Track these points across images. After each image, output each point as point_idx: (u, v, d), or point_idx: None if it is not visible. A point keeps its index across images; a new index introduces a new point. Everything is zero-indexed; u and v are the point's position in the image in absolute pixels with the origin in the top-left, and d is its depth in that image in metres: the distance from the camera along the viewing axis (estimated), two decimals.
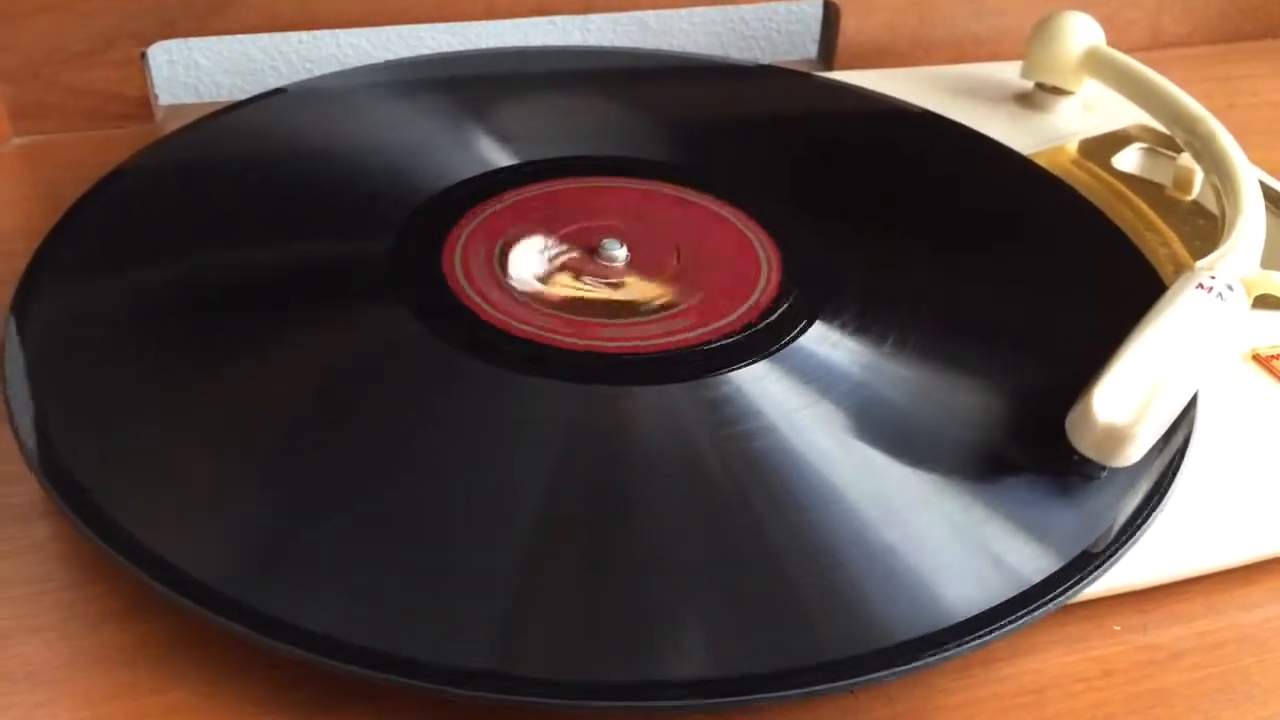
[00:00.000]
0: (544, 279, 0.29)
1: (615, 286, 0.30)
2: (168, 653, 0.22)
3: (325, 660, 0.20)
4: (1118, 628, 0.24)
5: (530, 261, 0.30)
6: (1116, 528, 0.24)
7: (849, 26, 0.46)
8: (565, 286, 0.29)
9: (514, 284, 0.29)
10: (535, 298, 0.29)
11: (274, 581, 0.22)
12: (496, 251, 0.30)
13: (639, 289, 0.30)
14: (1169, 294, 0.27)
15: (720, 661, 0.21)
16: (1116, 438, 0.24)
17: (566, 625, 0.21)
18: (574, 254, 0.31)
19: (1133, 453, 0.24)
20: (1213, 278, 0.28)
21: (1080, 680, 0.23)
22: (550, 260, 0.30)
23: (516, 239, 0.30)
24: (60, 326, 0.28)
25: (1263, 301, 0.30)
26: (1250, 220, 0.30)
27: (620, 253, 0.31)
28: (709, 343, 0.28)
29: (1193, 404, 0.27)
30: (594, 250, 0.30)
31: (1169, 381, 0.25)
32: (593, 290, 0.29)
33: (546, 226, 0.31)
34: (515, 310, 0.28)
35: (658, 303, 0.29)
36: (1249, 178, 0.32)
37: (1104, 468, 0.25)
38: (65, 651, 0.22)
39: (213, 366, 0.27)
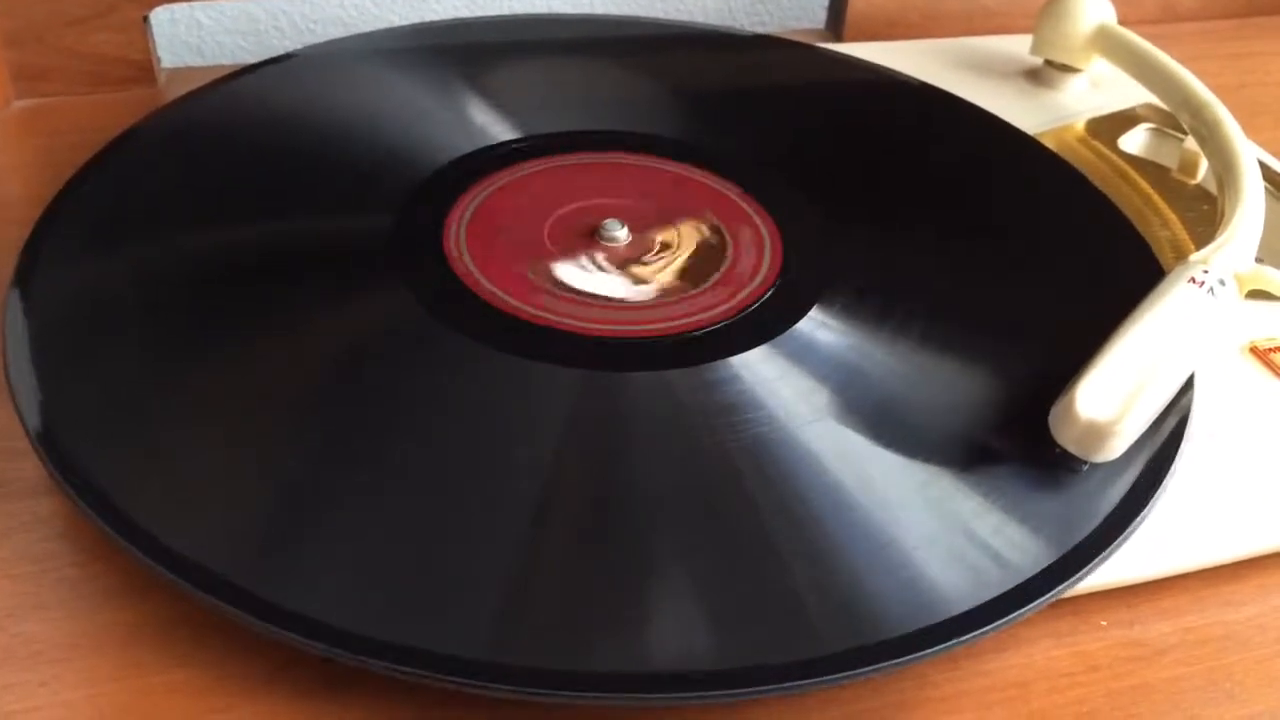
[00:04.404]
0: (636, 279, 0.29)
1: (669, 248, 0.30)
2: (170, 633, 0.23)
3: (319, 646, 0.21)
4: (1104, 623, 0.24)
5: (599, 279, 0.29)
6: (1110, 524, 0.24)
7: None
8: (656, 270, 0.29)
9: (628, 298, 0.28)
10: (662, 294, 0.28)
11: (272, 565, 0.22)
12: (546, 281, 0.29)
13: (684, 235, 0.29)
14: (1160, 287, 0.27)
15: (712, 655, 0.21)
16: (1098, 434, 0.24)
17: (560, 615, 0.22)
18: (603, 250, 0.30)
19: (1115, 448, 0.24)
20: (1205, 272, 0.28)
21: (1065, 675, 0.23)
22: (603, 267, 0.30)
23: (546, 270, 0.30)
24: (62, 300, 0.28)
25: (1261, 293, 0.30)
26: (1248, 213, 0.30)
27: (621, 233, 0.31)
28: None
29: (1189, 398, 0.27)
30: (593, 232, 0.30)
31: (1155, 377, 0.25)
32: (671, 259, 0.29)
33: (540, 249, 0.30)
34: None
35: (708, 232, 0.29)
36: (1251, 168, 0.32)
37: (1086, 462, 0.25)
38: (69, 630, 0.23)
39: (214, 345, 0.27)
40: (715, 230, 0.29)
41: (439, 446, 0.25)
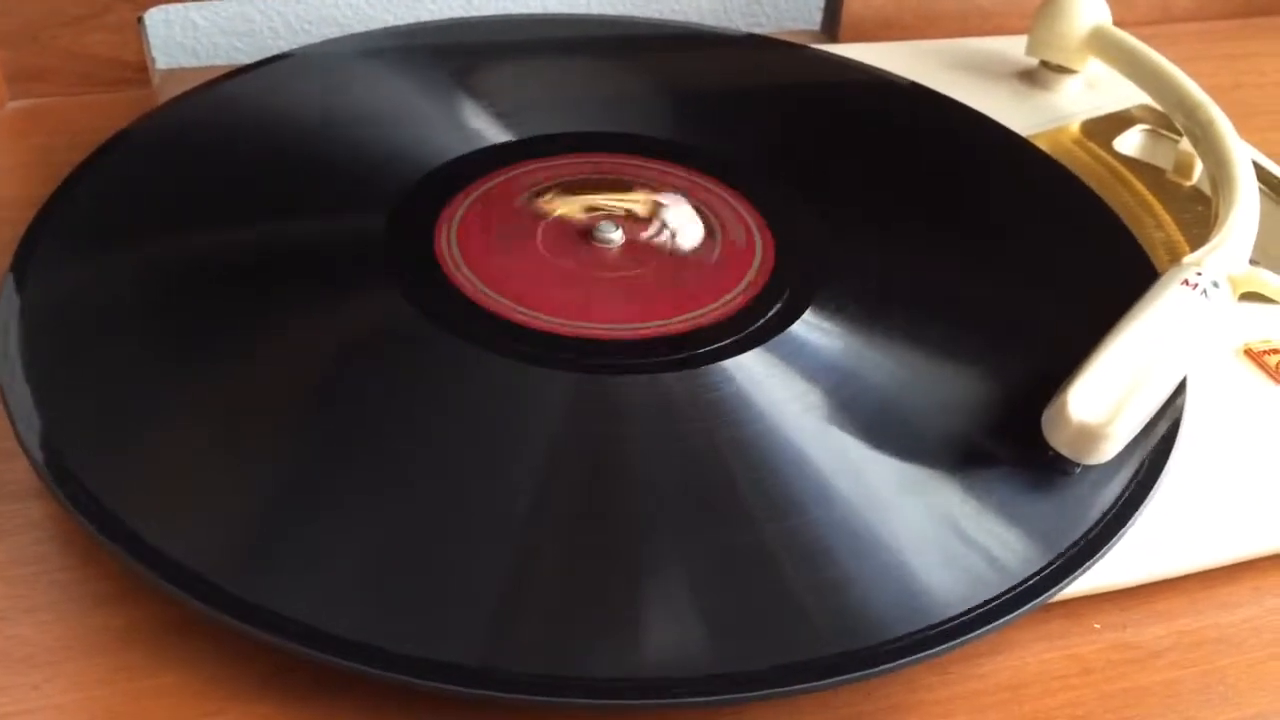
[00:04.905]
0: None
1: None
2: (161, 637, 0.23)
3: (311, 651, 0.21)
4: (1098, 625, 0.24)
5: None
6: (1103, 526, 0.24)
7: None
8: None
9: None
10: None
11: (264, 569, 0.22)
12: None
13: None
14: (1153, 290, 0.27)
15: (705, 659, 0.21)
16: (1090, 436, 0.24)
17: (554, 620, 0.22)
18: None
19: (1107, 450, 0.25)
20: (1199, 274, 0.28)
21: (1058, 678, 0.23)
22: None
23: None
24: (56, 301, 0.28)
25: (1255, 295, 0.30)
26: (1241, 215, 0.30)
27: (616, 234, 0.30)
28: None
29: (1182, 400, 0.27)
30: (588, 232, 0.30)
31: (1147, 380, 0.25)
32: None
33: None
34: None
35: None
36: (1245, 170, 0.32)
37: (1078, 465, 0.25)
38: (61, 634, 0.23)
39: (206, 347, 0.27)
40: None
41: (430, 449, 0.25)
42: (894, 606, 0.22)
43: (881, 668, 0.21)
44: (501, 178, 0.32)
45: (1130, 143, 0.40)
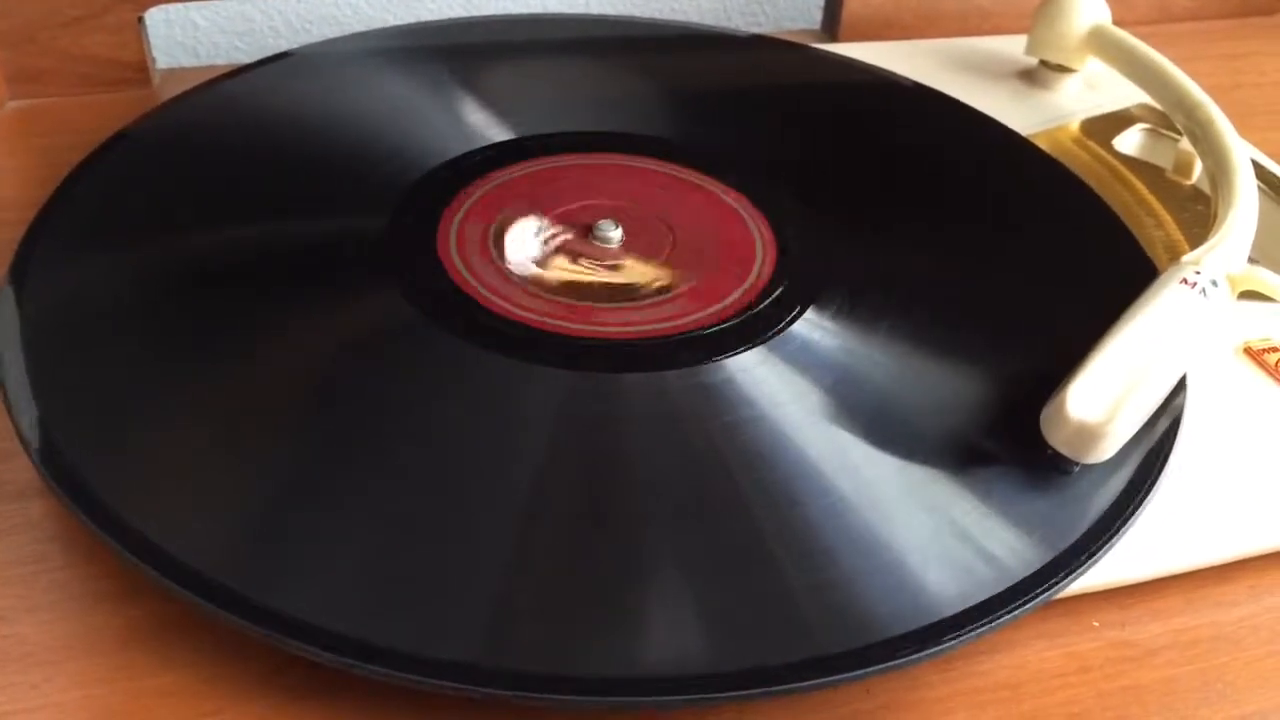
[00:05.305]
0: (541, 263, 0.29)
1: (613, 269, 0.30)
2: (162, 636, 0.23)
3: (310, 649, 0.21)
4: (1096, 624, 0.24)
5: (526, 245, 0.30)
6: (1103, 525, 0.24)
7: None
8: (563, 270, 0.29)
9: (511, 268, 0.29)
10: (534, 282, 0.29)
11: (264, 568, 0.22)
12: (491, 233, 0.30)
13: (637, 271, 0.30)
14: (1151, 288, 0.27)
15: (705, 657, 0.21)
16: (1089, 435, 0.24)
17: (554, 618, 0.22)
18: (569, 235, 0.31)
19: (1105, 449, 0.25)
20: (1197, 273, 0.28)
21: (1056, 676, 0.23)
22: (546, 243, 0.30)
23: (511, 221, 0.30)
24: (56, 301, 0.28)
25: (1255, 294, 0.30)
26: (1240, 214, 0.30)
27: (615, 234, 0.31)
28: (702, 329, 0.28)
29: (1182, 399, 0.27)
30: (588, 231, 0.30)
31: (1145, 378, 0.25)
32: (590, 273, 0.29)
33: (540, 207, 0.31)
34: (509, 293, 0.28)
35: (655, 285, 0.29)
36: (1244, 169, 0.32)
37: (1077, 463, 0.25)
38: (61, 633, 0.23)
39: (206, 346, 0.27)
40: (661, 290, 0.29)
41: (430, 449, 0.25)
42: (894, 605, 0.22)
43: (881, 666, 0.21)
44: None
45: (1130, 142, 0.40)
